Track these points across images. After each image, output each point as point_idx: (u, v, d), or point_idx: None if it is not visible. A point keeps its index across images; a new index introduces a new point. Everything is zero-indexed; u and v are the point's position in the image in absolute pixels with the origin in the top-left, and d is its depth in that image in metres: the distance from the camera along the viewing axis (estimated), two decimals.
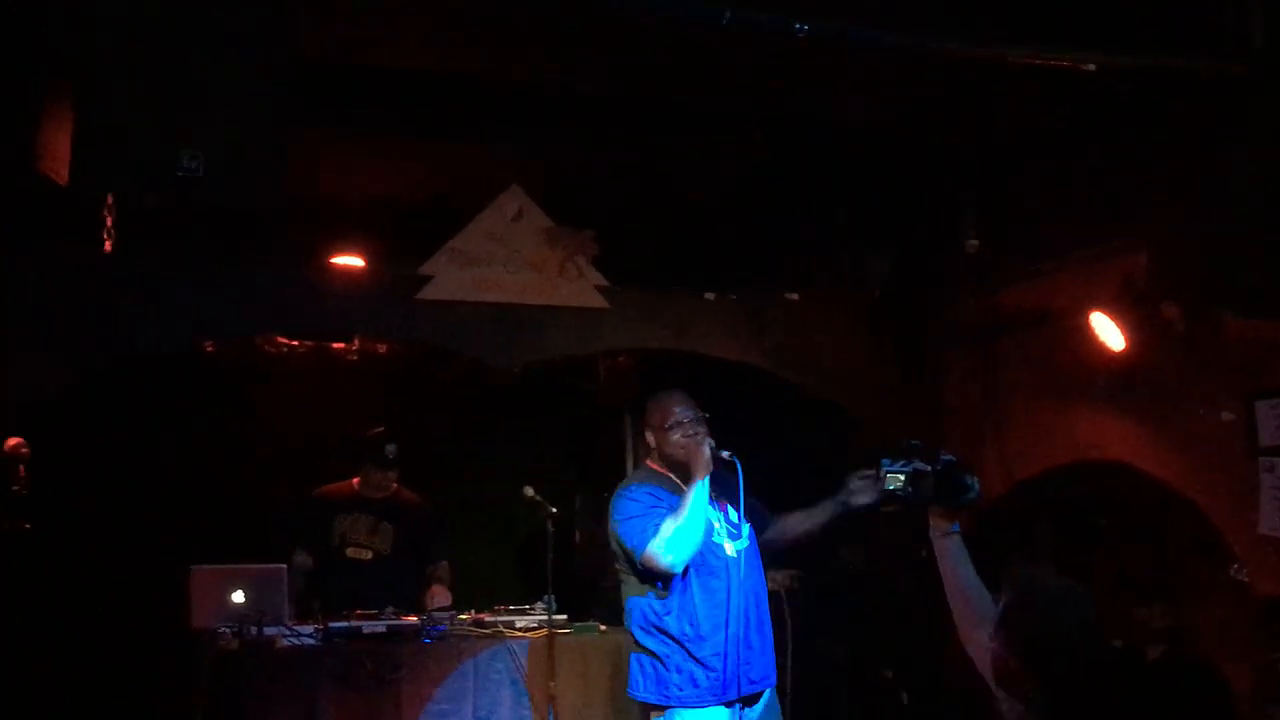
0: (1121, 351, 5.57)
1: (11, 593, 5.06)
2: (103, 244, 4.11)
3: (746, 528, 4.46)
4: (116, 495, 6.34)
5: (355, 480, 6.01)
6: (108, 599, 6.05)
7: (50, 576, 5.32)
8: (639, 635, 4.40)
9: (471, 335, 6.17)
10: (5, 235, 4.99)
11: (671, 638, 4.30)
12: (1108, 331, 5.59)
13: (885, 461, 3.15)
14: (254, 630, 4.94)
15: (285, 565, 5.38)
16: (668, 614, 4.31)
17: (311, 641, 5.05)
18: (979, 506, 3.31)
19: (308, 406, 6.59)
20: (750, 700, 4.35)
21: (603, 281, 6.31)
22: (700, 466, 4.28)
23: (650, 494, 4.37)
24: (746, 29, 4.19)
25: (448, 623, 5.41)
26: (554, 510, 5.29)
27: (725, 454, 4.30)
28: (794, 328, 6.78)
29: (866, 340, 6.91)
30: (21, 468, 4.91)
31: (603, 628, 5.61)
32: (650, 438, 4.53)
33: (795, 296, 6.81)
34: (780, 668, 4.62)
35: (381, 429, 6.06)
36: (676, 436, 4.42)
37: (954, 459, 3.08)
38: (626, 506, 4.37)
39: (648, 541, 4.25)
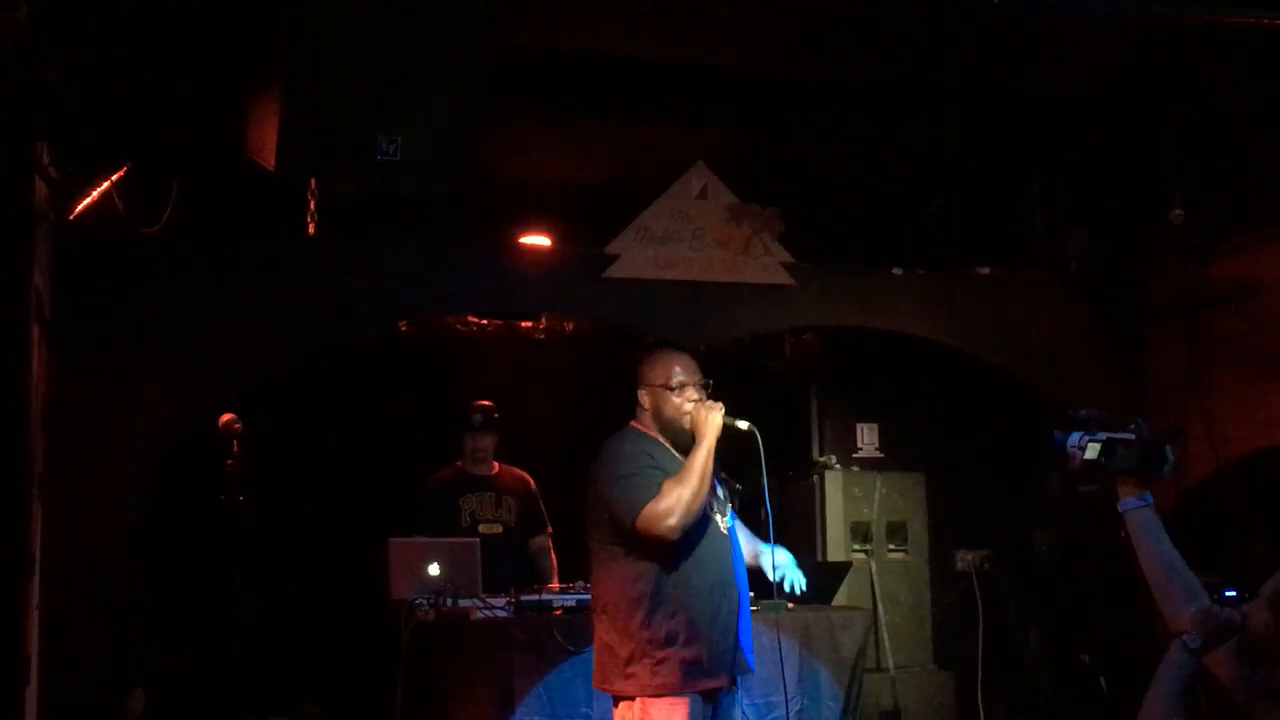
0: None
1: (227, 563, 5.31)
2: (307, 228, 4.27)
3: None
4: (322, 469, 6.60)
5: (459, 463, 6.12)
6: (316, 569, 6.32)
7: (262, 547, 5.56)
8: (613, 612, 4.02)
9: (657, 313, 6.20)
10: (220, 222, 5.23)
11: (657, 615, 3.93)
12: None
13: (1058, 434, 2.90)
14: (449, 602, 5.08)
15: (477, 539, 5.53)
16: (657, 587, 3.94)
17: (504, 614, 5.16)
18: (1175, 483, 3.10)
19: (497, 384, 6.72)
20: (729, 686, 4.04)
21: (789, 259, 6.27)
22: (711, 430, 3.99)
23: (646, 453, 4.04)
24: (939, 2, 4.11)
25: None
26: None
27: (743, 424, 4.03)
28: (986, 304, 6.62)
29: (1063, 316, 6.71)
30: (235, 443, 5.14)
31: (790, 605, 5.55)
32: (645, 397, 4.16)
33: (987, 271, 6.65)
34: (970, 648, 4.46)
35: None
36: (678, 399, 4.10)
37: (1150, 427, 2.85)
38: (620, 465, 4.00)
39: (645, 503, 3.89)
